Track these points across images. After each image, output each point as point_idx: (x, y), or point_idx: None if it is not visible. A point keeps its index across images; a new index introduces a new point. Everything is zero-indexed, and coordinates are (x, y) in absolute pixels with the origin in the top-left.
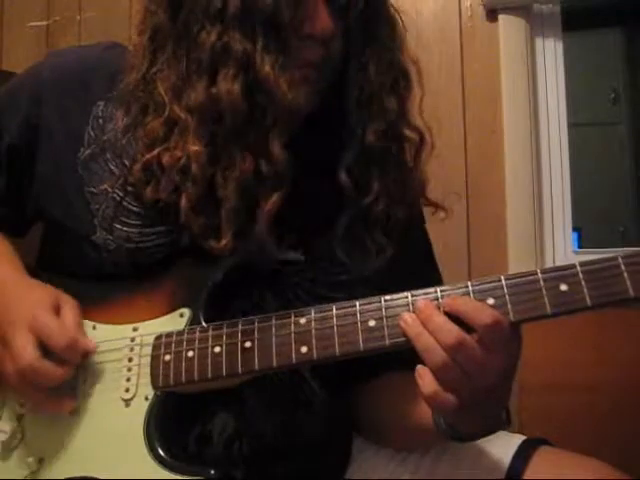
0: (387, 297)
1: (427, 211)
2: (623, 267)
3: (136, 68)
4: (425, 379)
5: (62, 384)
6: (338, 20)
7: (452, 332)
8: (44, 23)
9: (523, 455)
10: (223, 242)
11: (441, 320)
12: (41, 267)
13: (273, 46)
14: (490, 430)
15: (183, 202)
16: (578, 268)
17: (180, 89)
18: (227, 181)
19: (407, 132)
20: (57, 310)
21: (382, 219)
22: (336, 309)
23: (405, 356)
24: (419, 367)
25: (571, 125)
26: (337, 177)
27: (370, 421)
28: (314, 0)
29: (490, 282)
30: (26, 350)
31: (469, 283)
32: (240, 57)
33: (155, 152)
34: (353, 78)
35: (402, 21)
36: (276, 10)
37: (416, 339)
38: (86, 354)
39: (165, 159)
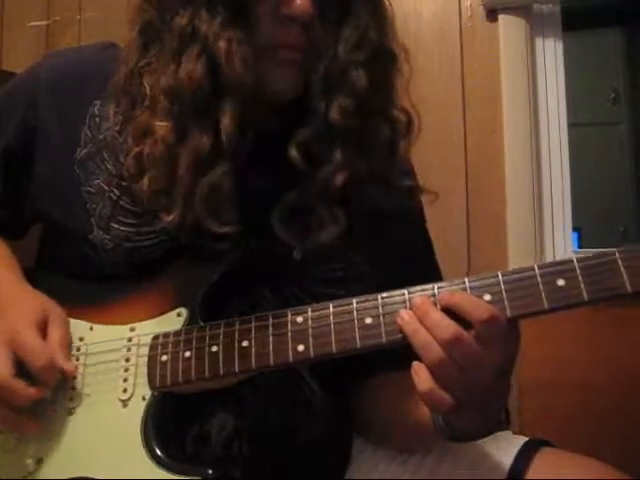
0: (384, 294)
1: (425, 202)
2: (620, 262)
3: (126, 63)
4: (421, 375)
5: (37, 402)
6: (316, 2)
7: (449, 328)
8: (44, 23)
9: (524, 456)
10: (170, 217)
11: (438, 316)
12: (40, 267)
13: (232, 21)
14: (489, 431)
15: (145, 185)
16: (575, 263)
17: None
18: (182, 158)
19: (395, 112)
20: (44, 324)
21: (346, 195)
22: (333, 307)
23: (402, 354)
24: (415, 363)
25: (571, 125)
26: (287, 153)
27: (369, 421)
28: None
29: (487, 278)
30: None
31: (466, 279)
32: (203, 37)
33: (145, 145)
34: (321, 54)
35: (390, 5)
36: None
37: (413, 335)
38: (64, 376)
39: (152, 150)
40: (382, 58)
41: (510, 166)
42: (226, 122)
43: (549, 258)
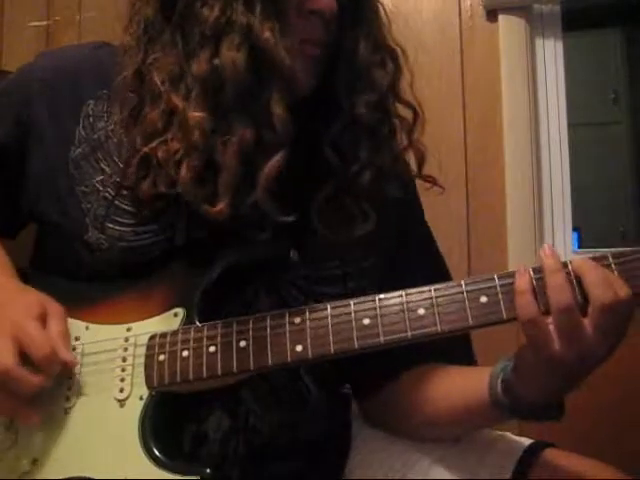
0: (381, 296)
1: (425, 202)
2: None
3: (131, 63)
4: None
5: (39, 394)
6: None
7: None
8: (44, 23)
9: (528, 458)
10: (219, 207)
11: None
12: (35, 267)
13: (271, 13)
14: (542, 409)
15: (183, 172)
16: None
17: (177, 76)
18: (226, 148)
19: (399, 107)
20: (43, 318)
21: (371, 190)
22: (330, 308)
23: (440, 347)
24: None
25: (571, 125)
26: (322, 150)
27: (407, 413)
28: None
29: (483, 280)
30: (3, 356)
31: (462, 282)
32: (243, 28)
33: (153, 144)
34: (344, 55)
35: (384, 10)
36: None
37: (552, 275)
38: (66, 367)
39: (161, 153)
40: (391, 59)
41: (510, 166)
42: (279, 111)
43: None
